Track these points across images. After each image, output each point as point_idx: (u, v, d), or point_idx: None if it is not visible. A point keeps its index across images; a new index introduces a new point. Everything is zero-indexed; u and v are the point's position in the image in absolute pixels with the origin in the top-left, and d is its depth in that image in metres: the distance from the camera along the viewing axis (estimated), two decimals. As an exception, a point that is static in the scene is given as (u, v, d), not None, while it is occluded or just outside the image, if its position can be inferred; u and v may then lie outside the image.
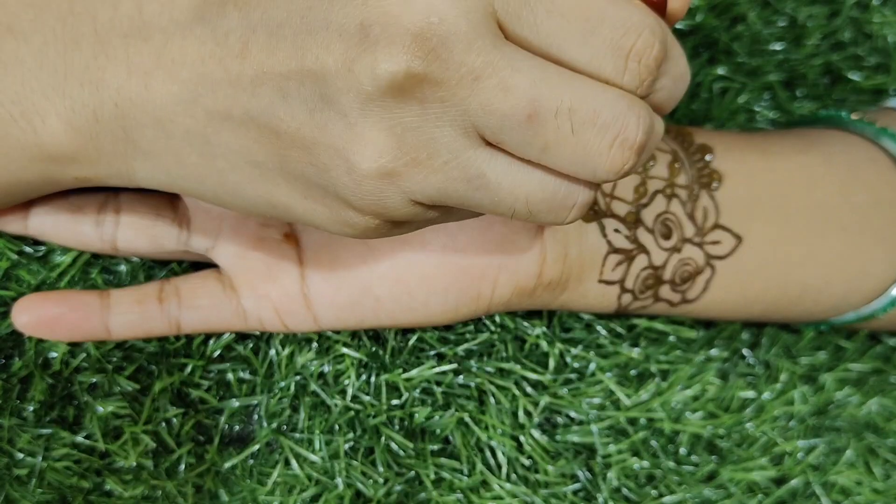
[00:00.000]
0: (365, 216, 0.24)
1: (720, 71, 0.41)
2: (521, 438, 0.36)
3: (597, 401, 0.37)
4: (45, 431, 0.34)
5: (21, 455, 0.34)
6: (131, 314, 0.32)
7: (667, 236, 0.34)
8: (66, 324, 0.31)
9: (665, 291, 0.34)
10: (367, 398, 0.36)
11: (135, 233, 0.32)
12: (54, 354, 0.34)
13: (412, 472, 0.36)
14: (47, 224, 0.32)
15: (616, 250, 0.33)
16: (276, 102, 0.23)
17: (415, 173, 0.23)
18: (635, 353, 0.38)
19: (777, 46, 0.41)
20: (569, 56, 0.23)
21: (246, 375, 0.36)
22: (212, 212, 0.32)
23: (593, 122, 0.22)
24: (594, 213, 0.33)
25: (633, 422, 0.37)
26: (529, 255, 0.32)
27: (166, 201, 0.33)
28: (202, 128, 0.25)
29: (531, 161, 0.23)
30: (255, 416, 0.36)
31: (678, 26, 0.40)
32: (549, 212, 0.24)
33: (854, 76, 0.42)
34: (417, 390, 0.36)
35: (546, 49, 0.23)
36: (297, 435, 0.36)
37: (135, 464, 0.34)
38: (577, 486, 0.37)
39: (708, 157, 0.35)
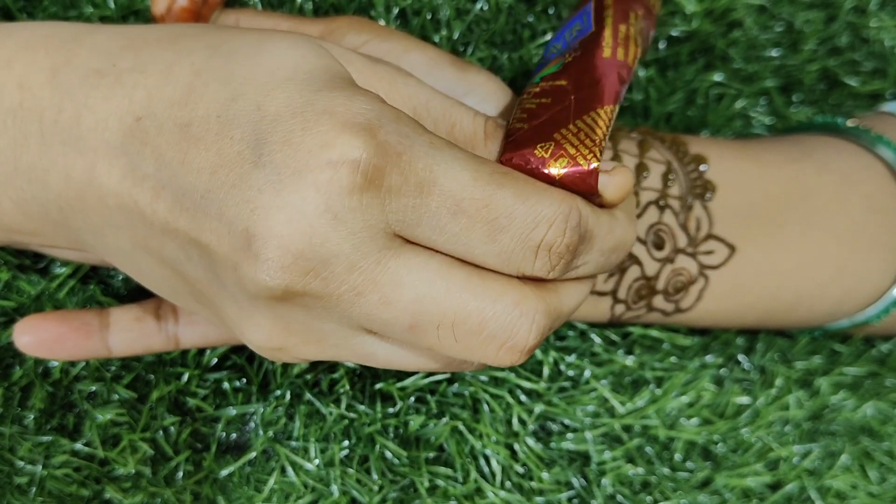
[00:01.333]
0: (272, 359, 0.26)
1: (716, 77, 0.41)
2: (516, 446, 0.36)
3: (591, 408, 0.37)
4: (45, 439, 0.35)
5: (22, 463, 0.35)
6: (130, 332, 0.32)
7: (659, 247, 0.34)
8: (67, 344, 0.32)
9: (658, 301, 0.35)
10: (361, 407, 0.36)
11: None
12: (54, 363, 0.35)
13: (407, 480, 0.36)
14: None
15: None
16: (181, 258, 0.24)
17: (305, 349, 0.25)
18: (630, 360, 0.38)
19: (774, 52, 0.41)
20: (476, 252, 0.23)
21: (241, 384, 0.36)
22: None
23: (478, 333, 0.23)
24: None
25: (627, 429, 0.37)
26: None
27: None
28: (129, 250, 0.26)
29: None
30: (252, 425, 0.36)
31: (673, 33, 0.40)
32: (448, 371, 0.26)
33: (851, 81, 0.42)
34: (411, 399, 0.36)
35: (451, 246, 0.23)
36: (293, 443, 0.36)
37: (133, 471, 0.35)
38: (571, 493, 0.37)
39: (702, 168, 0.35)
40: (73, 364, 0.35)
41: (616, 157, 0.33)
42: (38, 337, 0.31)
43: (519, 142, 0.25)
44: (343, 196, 0.22)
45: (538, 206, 0.23)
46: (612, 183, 0.25)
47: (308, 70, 0.23)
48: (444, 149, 0.23)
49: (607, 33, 0.28)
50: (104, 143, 0.24)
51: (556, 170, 0.25)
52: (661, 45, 0.40)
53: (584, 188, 0.25)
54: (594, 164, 0.25)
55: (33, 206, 0.27)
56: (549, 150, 0.25)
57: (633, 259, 0.34)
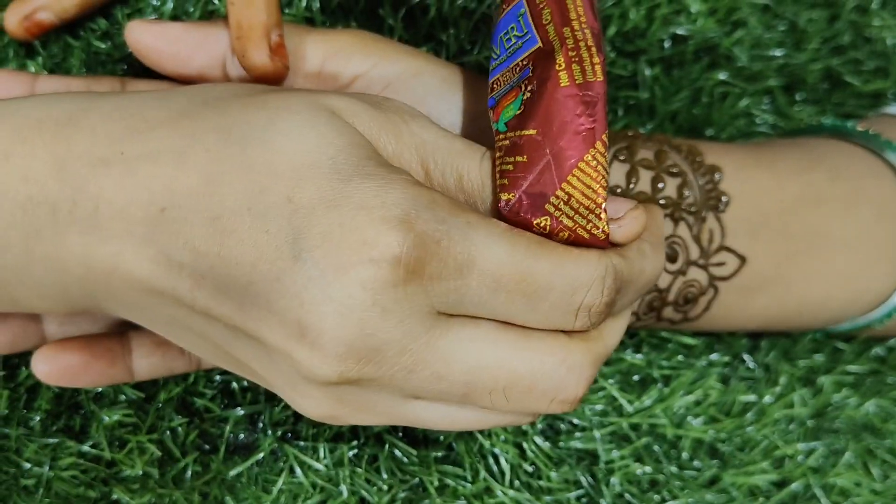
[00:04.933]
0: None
1: (721, 76, 0.41)
2: (524, 445, 0.36)
3: (599, 407, 0.37)
4: (51, 441, 0.35)
5: (28, 465, 0.34)
6: (153, 357, 0.32)
7: (673, 259, 0.33)
8: (91, 372, 0.31)
9: (668, 312, 0.35)
10: (371, 406, 0.36)
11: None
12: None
13: (416, 479, 0.36)
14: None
15: None
16: (227, 338, 0.25)
17: (356, 416, 0.26)
18: (638, 359, 0.38)
19: (777, 51, 0.42)
20: (518, 319, 0.24)
21: (249, 384, 0.36)
22: None
23: (529, 393, 0.24)
24: None
25: (635, 427, 0.38)
26: None
27: None
28: (164, 324, 0.26)
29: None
30: (260, 425, 0.36)
31: (678, 31, 0.40)
32: (499, 426, 0.27)
33: (854, 80, 0.42)
34: (421, 398, 0.36)
35: (494, 316, 0.24)
36: (302, 443, 0.36)
37: (141, 472, 0.35)
38: (580, 492, 0.37)
39: (717, 177, 0.34)
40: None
41: (633, 170, 0.33)
42: (59, 366, 0.31)
43: (514, 212, 0.25)
44: (388, 290, 0.22)
45: (575, 273, 0.24)
46: (625, 232, 0.25)
47: (331, 155, 0.23)
48: (479, 227, 0.24)
49: (559, 58, 0.25)
50: (128, 232, 0.24)
51: (561, 240, 0.25)
52: (667, 45, 0.40)
53: (596, 247, 0.25)
54: (596, 232, 0.24)
55: (52, 290, 0.26)
56: (548, 225, 0.24)
57: None
